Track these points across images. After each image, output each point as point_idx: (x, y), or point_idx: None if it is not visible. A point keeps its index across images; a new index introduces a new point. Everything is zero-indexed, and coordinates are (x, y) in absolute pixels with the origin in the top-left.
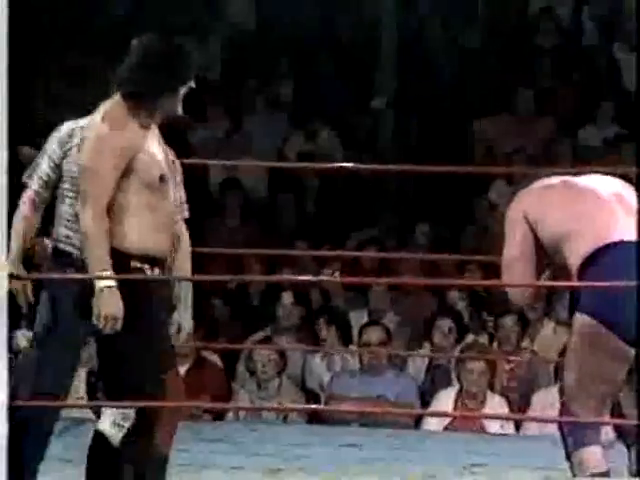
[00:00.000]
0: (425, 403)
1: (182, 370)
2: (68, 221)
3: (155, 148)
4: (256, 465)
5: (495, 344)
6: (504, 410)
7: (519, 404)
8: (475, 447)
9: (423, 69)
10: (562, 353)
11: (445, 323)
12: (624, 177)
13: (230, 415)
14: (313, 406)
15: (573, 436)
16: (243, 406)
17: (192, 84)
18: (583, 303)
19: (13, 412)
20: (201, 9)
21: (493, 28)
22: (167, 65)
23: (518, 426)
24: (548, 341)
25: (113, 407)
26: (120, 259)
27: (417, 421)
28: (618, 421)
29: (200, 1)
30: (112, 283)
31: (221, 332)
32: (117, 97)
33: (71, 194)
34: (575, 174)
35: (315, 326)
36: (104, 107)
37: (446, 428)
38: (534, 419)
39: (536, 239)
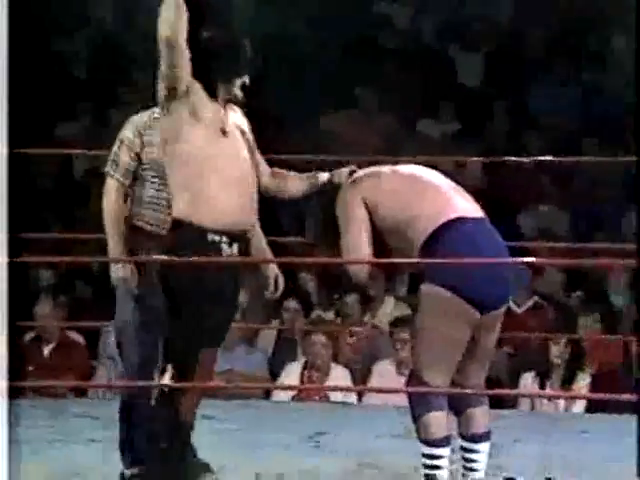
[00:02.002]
0: (274, 375)
1: (47, 350)
2: (149, 204)
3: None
4: (117, 438)
5: (340, 319)
6: (347, 381)
7: (361, 374)
8: (320, 416)
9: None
10: (394, 324)
11: (292, 304)
12: (462, 165)
13: (91, 391)
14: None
15: (419, 402)
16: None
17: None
18: (430, 275)
19: None
20: (66, 7)
21: (340, 29)
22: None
23: (360, 395)
24: (388, 316)
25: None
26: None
27: (267, 393)
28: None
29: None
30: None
31: (84, 312)
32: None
33: (155, 180)
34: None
35: None
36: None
37: (293, 398)
38: (380, 390)
39: (372, 223)
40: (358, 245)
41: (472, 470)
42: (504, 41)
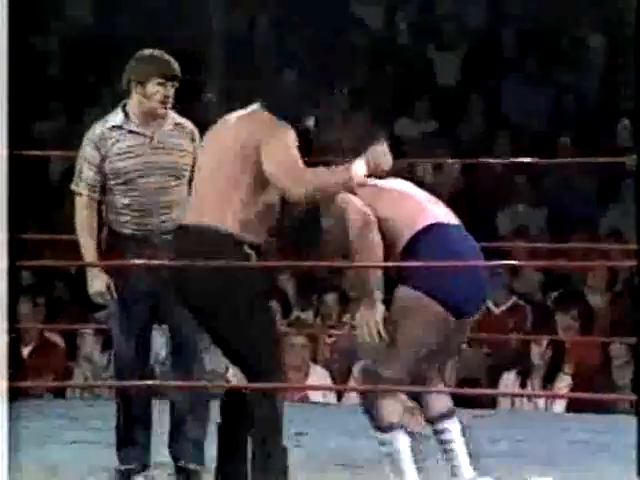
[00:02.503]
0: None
1: (26, 350)
2: (122, 209)
3: None
4: (95, 439)
5: (319, 319)
6: (327, 380)
7: (341, 374)
8: (299, 416)
9: (249, 68)
10: None
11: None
12: (439, 167)
13: (69, 392)
14: (151, 382)
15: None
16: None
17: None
18: (408, 279)
19: None
20: (40, 6)
21: (314, 29)
22: None
23: (340, 395)
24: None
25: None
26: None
27: None
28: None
29: None
30: None
31: (62, 313)
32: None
33: (121, 187)
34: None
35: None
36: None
37: None
38: (354, 389)
39: None
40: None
41: (452, 452)
42: (478, 41)
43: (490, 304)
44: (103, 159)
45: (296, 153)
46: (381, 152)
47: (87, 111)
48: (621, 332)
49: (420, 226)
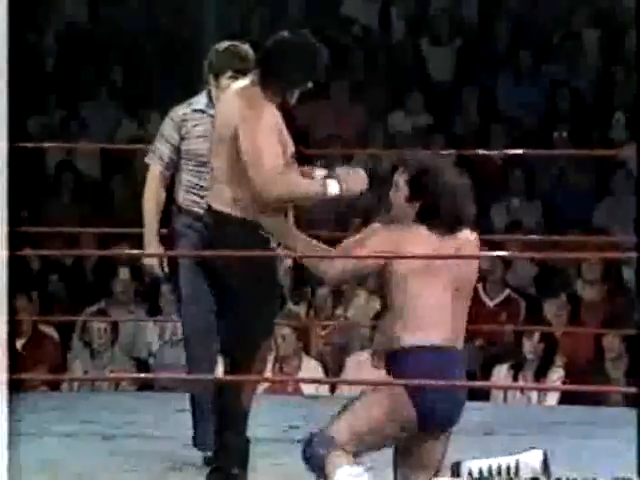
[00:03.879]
0: None
1: (19, 343)
2: (191, 188)
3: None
4: (90, 432)
5: (312, 312)
6: (319, 373)
7: (333, 367)
8: (292, 409)
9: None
10: (375, 317)
11: None
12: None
13: (65, 385)
14: (143, 375)
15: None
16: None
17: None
18: (395, 374)
19: None
20: (35, 2)
21: (308, 26)
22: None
23: (333, 388)
24: (361, 309)
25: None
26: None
27: None
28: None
29: None
30: None
31: (56, 306)
32: (249, 81)
33: (192, 168)
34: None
35: (159, 297)
36: (237, 91)
37: (265, 391)
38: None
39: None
40: (349, 251)
41: None
42: (472, 36)
43: (484, 297)
44: (182, 139)
45: (267, 144)
46: (355, 178)
47: (82, 105)
48: (614, 325)
49: (419, 342)
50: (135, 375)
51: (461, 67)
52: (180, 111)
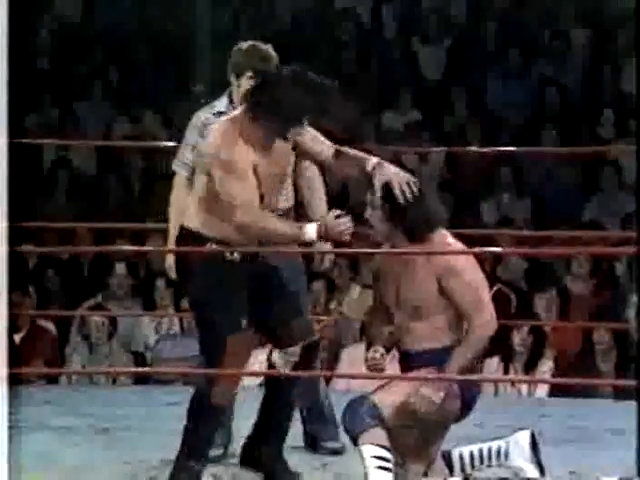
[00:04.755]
0: None
1: (17, 337)
2: None
3: None
4: (85, 425)
5: None
6: None
7: (328, 360)
8: None
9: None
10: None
11: None
12: (425, 157)
13: (63, 379)
14: (143, 369)
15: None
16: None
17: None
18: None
19: None
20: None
21: (300, 23)
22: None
23: (328, 381)
24: (354, 303)
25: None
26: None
27: None
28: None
29: None
30: None
31: (53, 301)
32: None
33: None
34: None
35: (155, 290)
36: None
37: (260, 385)
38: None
39: None
40: None
41: None
42: (462, 35)
43: None
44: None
45: (237, 190)
46: (336, 224)
47: (76, 104)
48: (603, 319)
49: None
50: (134, 369)
51: (451, 66)
52: (202, 116)
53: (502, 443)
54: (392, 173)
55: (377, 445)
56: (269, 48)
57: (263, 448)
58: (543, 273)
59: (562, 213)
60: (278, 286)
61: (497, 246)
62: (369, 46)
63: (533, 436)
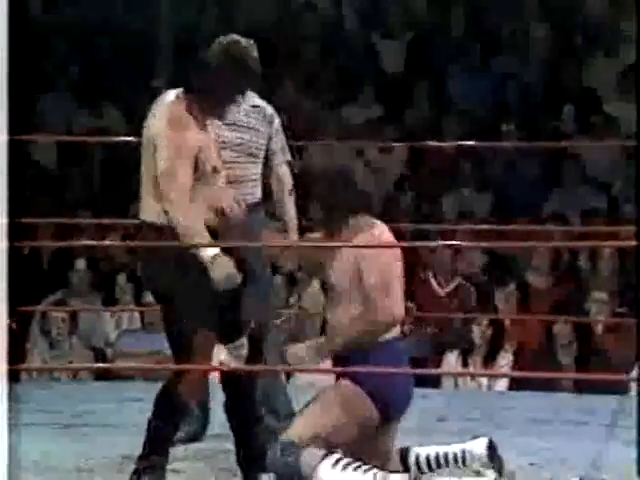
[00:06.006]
0: None
1: None
2: None
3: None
4: (47, 421)
5: None
6: None
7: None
8: None
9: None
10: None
11: None
12: (388, 151)
13: (24, 375)
14: (104, 365)
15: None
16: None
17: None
18: (355, 375)
19: None
20: None
21: (262, 17)
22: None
23: (288, 376)
24: (315, 297)
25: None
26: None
27: None
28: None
29: None
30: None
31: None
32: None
33: None
34: None
35: (115, 285)
36: (165, 104)
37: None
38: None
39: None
40: None
41: None
42: (423, 28)
43: (435, 285)
44: None
45: (176, 167)
46: (228, 272)
47: (39, 98)
48: (564, 312)
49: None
50: (102, 365)
51: (412, 60)
52: None
53: (458, 450)
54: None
55: (325, 456)
56: (248, 42)
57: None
58: (503, 267)
59: (523, 207)
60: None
61: (457, 240)
62: (330, 40)
63: (491, 442)
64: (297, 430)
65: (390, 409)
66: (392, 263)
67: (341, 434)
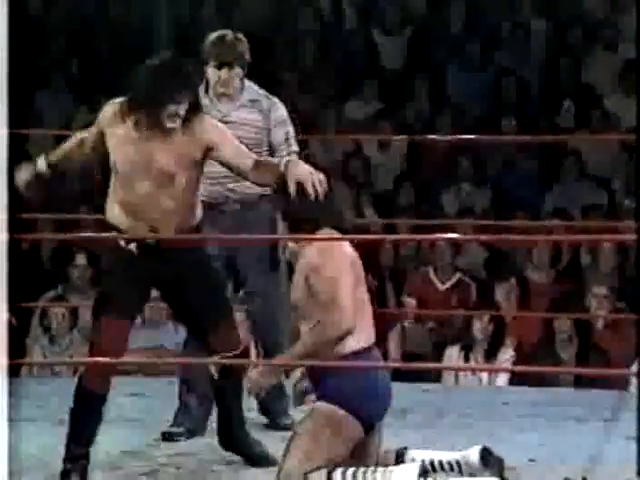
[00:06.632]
0: None
1: None
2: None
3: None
4: (46, 416)
5: None
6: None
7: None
8: None
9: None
10: None
11: None
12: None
13: (24, 370)
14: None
15: None
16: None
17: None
18: (329, 394)
19: None
20: None
21: (262, 14)
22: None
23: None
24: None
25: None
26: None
27: None
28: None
29: None
30: None
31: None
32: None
33: None
34: None
35: None
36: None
37: None
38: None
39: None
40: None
41: None
42: (422, 25)
43: (435, 281)
44: None
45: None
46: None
47: (37, 94)
48: (564, 308)
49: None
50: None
51: (411, 56)
52: None
53: (453, 460)
54: (304, 171)
55: (330, 473)
56: (237, 37)
57: (233, 434)
58: (503, 262)
59: (523, 203)
60: (203, 280)
61: (458, 234)
62: (330, 36)
63: (484, 451)
64: (293, 464)
65: (372, 418)
66: (340, 275)
67: (335, 456)
